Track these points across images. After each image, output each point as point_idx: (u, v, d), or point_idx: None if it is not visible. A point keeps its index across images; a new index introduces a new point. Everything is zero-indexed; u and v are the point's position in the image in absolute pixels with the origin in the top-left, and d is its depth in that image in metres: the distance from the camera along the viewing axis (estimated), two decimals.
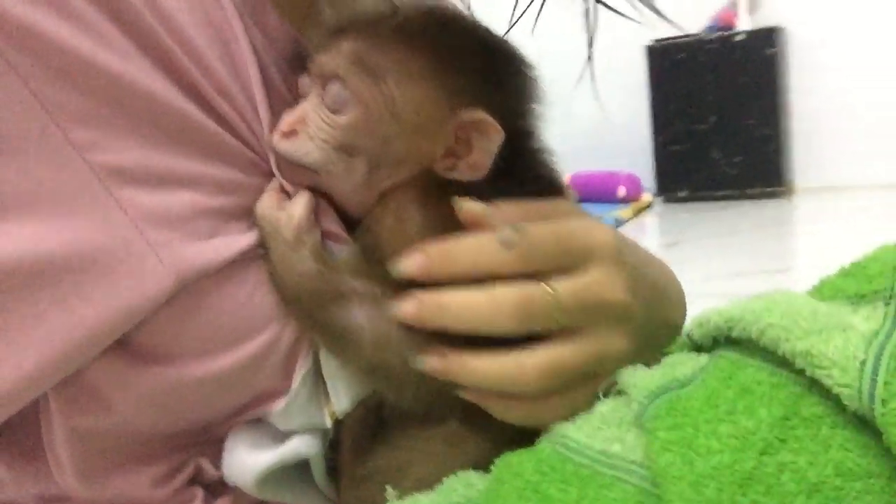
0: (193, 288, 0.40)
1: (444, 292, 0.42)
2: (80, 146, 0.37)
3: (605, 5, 0.61)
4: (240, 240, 0.43)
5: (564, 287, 0.42)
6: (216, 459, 0.47)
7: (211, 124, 0.42)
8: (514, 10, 0.67)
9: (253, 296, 0.43)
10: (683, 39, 4.01)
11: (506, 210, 0.44)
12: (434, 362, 0.42)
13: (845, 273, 0.38)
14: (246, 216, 0.44)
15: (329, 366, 0.46)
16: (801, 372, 0.33)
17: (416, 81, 0.45)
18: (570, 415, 0.41)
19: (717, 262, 2.64)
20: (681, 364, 0.38)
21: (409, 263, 0.42)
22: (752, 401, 0.33)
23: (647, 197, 4.03)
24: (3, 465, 0.44)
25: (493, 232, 0.42)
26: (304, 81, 0.48)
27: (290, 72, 0.50)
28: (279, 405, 0.45)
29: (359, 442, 0.47)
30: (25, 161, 0.36)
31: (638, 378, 0.38)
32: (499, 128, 0.44)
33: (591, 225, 0.45)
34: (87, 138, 0.38)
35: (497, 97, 0.46)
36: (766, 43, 3.87)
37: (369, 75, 0.45)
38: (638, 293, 0.44)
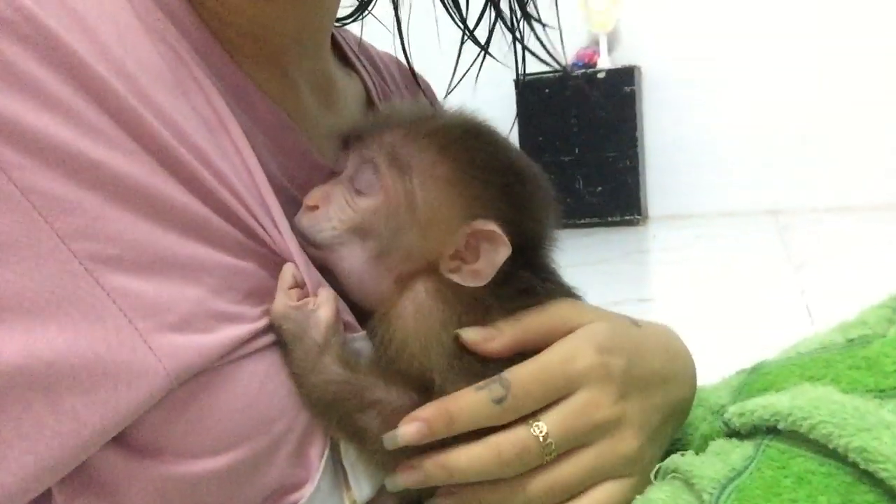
0: (191, 386, 0.39)
1: (448, 453, 0.45)
2: (66, 235, 0.36)
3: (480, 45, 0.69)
4: (238, 330, 0.42)
5: (553, 422, 0.46)
6: None
7: (203, 208, 0.42)
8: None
9: (262, 389, 0.42)
10: (550, 75, 4.21)
11: (504, 330, 0.47)
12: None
13: (857, 367, 0.44)
14: (242, 303, 0.43)
15: (349, 454, 0.46)
16: (849, 463, 0.38)
17: (439, 184, 0.48)
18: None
19: (594, 293, 2.78)
20: (730, 452, 0.43)
21: (408, 431, 0.44)
22: (811, 490, 0.38)
23: None
24: None
25: (480, 388, 0.45)
26: (343, 157, 0.51)
27: (278, 152, 0.51)
28: (302, 498, 0.45)
29: None
30: (12, 257, 0.35)
31: (699, 468, 0.42)
32: (507, 242, 0.47)
33: (575, 348, 0.48)
34: (73, 227, 0.37)
35: (512, 213, 0.49)
36: (624, 80, 4.13)
37: (398, 168, 0.48)
38: (632, 394, 0.48)
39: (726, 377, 0.58)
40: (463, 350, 0.47)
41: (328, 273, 0.49)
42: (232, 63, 0.50)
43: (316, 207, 0.49)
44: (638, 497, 0.44)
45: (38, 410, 0.36)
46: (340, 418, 0.45)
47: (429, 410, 0.45)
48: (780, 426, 0.41)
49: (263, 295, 0.45)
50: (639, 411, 0.48)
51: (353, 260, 0.49)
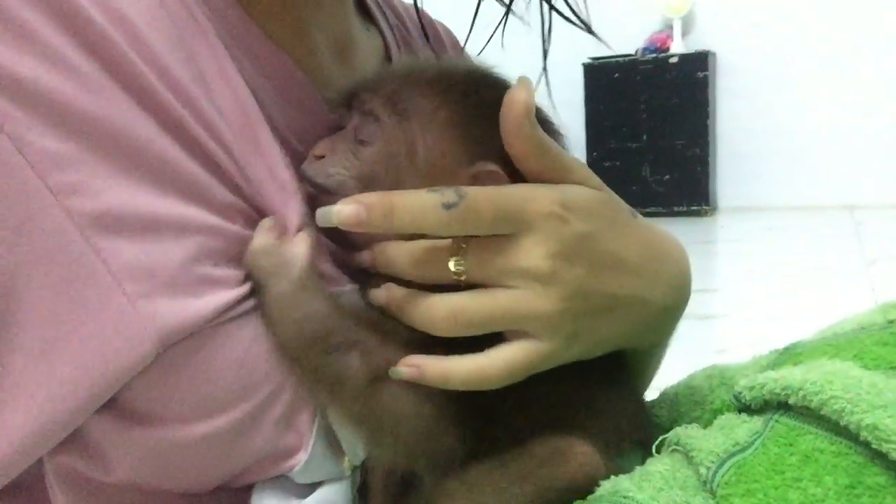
0: (180, 349, 0.38)
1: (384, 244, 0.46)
2: (59, 191, 0.36)
3: (556, 12, 0.64)
4: (225, 294, 0.41)
5: (477, 246, 0.43)
6: None
7: (195, 167, 0.41)
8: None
9: (248, 353, 0.41)
10: (619, 59, 4.13)
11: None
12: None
13: (884, 342, 0.41)
14: (229, 266, 0.42)
15: (338, 419, 0.45)
16: (860, 442, 0.35)
17: (440, 128, 0.47)
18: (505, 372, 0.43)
19: None
20: (736, 427, 0.40)
21: (345, 210, 0.42)
22: (816, 469, 0.36)
23: None
24: None
25: (436, 193, 0.43)
26: (346, 115, 0.50)
27: (284, 102, 0.50)
28: (298, 463, 0.44)
29: (389, 488, 0.48)
30: (2, 207, 0.35)
31: (699, 441, 0.40)
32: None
33: (541, 192, 0.45)
34: (66, 183, 0.36)
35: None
36: (697, 66, 4.02)
37: (397, 115, 0.48)
38: (578, 261, 0.45)
39: (758, 356, 0.55)
40: None
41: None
42: (241, 12, 0.49)
43: (322, 157, 0.49)
44: (637, 468, 0.42)
45: (31, 375, 0.36)
46: (317, 361, 0.43)
47: (372, 196, 0.43)
48: (791, 401, 0.39)
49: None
50: (577, 279, 0.45)
51: None
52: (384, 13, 0.67)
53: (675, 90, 4.05)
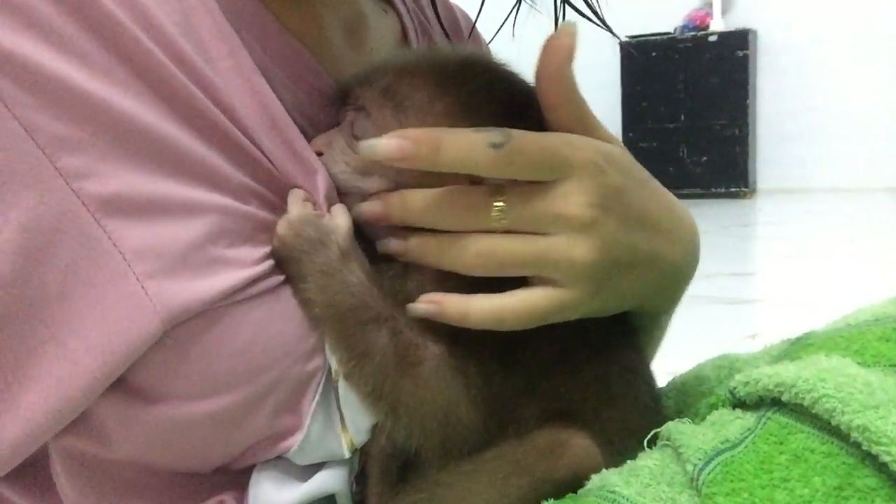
0: (188, 328, 0.39)
1: (406, 192, 0.45)
2: (69, 174, 0.36)
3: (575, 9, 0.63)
4: (236, 275, 0.41)
5: (517, 193, 0.43)
6: (240, 495, 0.47)
7: (204, 149, 0.41)
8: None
9: (256, 337, 0.42)
10: (657, 38, 4.05)
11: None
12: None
13: (885, 338, 0.40)
14: (241, 247, 0.42)
15: (349, 395, 0.46)
16: (851, 443, 0.34)
17: (438, 120, 0.46)
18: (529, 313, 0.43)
19: None
20: (728, 423, 0.39)
21: (390, 144, 0.42)
22: (805, 469, 0.35)
23: None
24: (26, 500, 0.44)
25: (482, 133, 0.42)
26: (342, 113, 0.50)
27: (295, 88, 0.50)
28: (294, 445, 0.44)
29: (387, 473, 0.48)
30: (15, 195, 0.35)
31: (689, 437, 0.39)
32: None
33: (580, 141, 0.45)
34: (76, 166, 0.36)
35: None
36: (738, 44, 3.93)
37: (392, 107, 0.47)
38: (612, 213, 0.44)
39: (769, 345, 0.54)
40: (482, 286, 0.45)
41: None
42: None
43: (321, 154, 0.48)
44: (628, 461, 0.41)
45: (46, 355, 0.36)
46: (352, 331, 0.44)
47: (419, 131, 0.43)
48: (784, 398, 0.38)
49: (263, 239, 0.44)
50: (611, 230, 0.44)
51: (360, 200, 0.48)
52: None
53: (715, 69, 3.97)
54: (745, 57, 3.93)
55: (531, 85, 0.51)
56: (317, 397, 0.45)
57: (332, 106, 0.51)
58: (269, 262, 0.44)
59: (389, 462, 0.47)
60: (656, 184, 0.50)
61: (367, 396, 0.45)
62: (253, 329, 0.42)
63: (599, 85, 3.96)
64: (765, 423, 0.38)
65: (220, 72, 0.44)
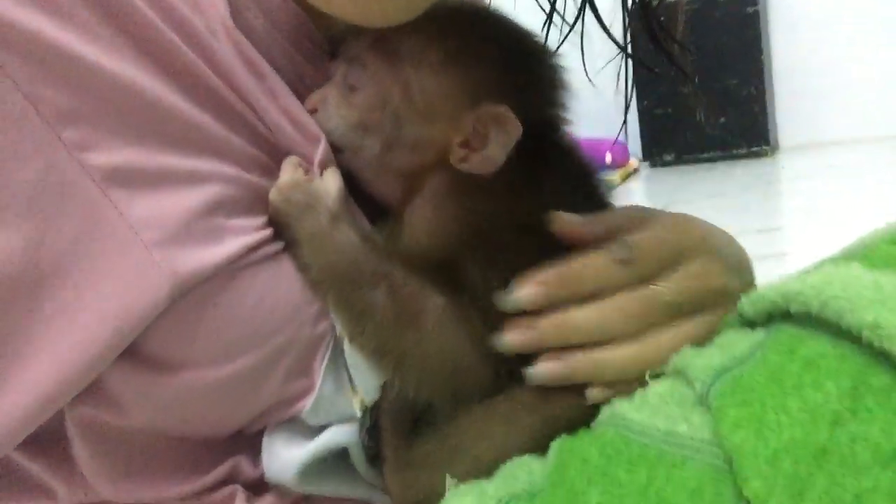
0: (196, 295, 0.39)
1: (566, 313, 0.43)
2: (73, 146, 0.36)
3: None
4: (239, 241, 0.41)
5: (670, 285, 0.44)
6: (255, 458, 0.47)
7: (208, 119, 0.41)
8: None
9: (263, 301, 0.42)
10: (664, 1, 4.00)
11: (597, 221, 0.46)
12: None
13: (893, 240, 0.38)
14: (246, 214, 0.43)
15: (355, 356, 0.45)
16: (866, 344, 0.33)
17: (434, 69, 0.46)
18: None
19: (716, 223, 2.66)
20: (737, 342, 0.38)
21: (526, 295, 0.43)
22: (818, 374, 0.33)
23: (633, 162, 4.04)
24: (48, 474, 0.44)
25: (601, 249, 0.44)
26: (334, 65, 0.49)
27: (296, 55, 0.50)
28: (306, 406, 0.45)
29: (399, 426, 0.47)
30: (18, 163, 0.35)
31: (695, 358, 0.38)
32: (517, 123, 0.45)
33: (680, 223, 0.48)
34: (80, 138, 0.37)
35: (519, 90, 0.47)
36: (746, 2, 3.86)
37: (387, 58, 0.46)
38: (734, 272, 0.47)
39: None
40: (480, 240, 0.45)
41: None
42: None
43: (315, 111, 0.48)
44: (639, 390, 0.40)
45: (57, 325, 0.36)
46: (348, 291, 0.44)
47: (549, 273, 0.43)
48: (792, 309, 0.36)
49: (265, 205, 0.44)
50: (738, 287, 0.46)
51: (364, 157, 0.48)
52: None
53: (725, 28, 3.90)
54: (756, 13, 3.85)
55: (527, 30, 0.50)
56: (326, 360, 0.45)
57: (322, 64, 0.51)
58: (271, 230, 0.44)
59: (402, 416, 0.47)
60: (720, 231, 0.52)
61: (373, 355, 0.44)
62: (259, 293, 0.42)
63: (608, 55, 3.90)
64: (774, 336, 0.37)
65: (220, 41, 0.44)
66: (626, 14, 0.63)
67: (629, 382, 0.42)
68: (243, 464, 0.46)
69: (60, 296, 0.36)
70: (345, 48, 0.48)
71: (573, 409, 0.43)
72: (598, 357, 0.43)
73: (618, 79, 0.64)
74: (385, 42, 0.47)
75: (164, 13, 0.41)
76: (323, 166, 0.47)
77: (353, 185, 0.49)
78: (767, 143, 3.95)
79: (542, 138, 0.48)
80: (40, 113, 0.36)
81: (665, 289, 0.44)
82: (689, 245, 0.46)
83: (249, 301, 0.41)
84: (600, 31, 0.65)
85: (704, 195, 3.28)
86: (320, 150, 0.47)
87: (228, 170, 0.42)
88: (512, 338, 0.43)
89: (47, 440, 0.42)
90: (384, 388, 0.46)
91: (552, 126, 0.51)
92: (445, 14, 0.48)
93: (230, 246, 0.40)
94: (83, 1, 0.38)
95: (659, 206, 0.50)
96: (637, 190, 3.77)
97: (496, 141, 0.45)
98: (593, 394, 0.43)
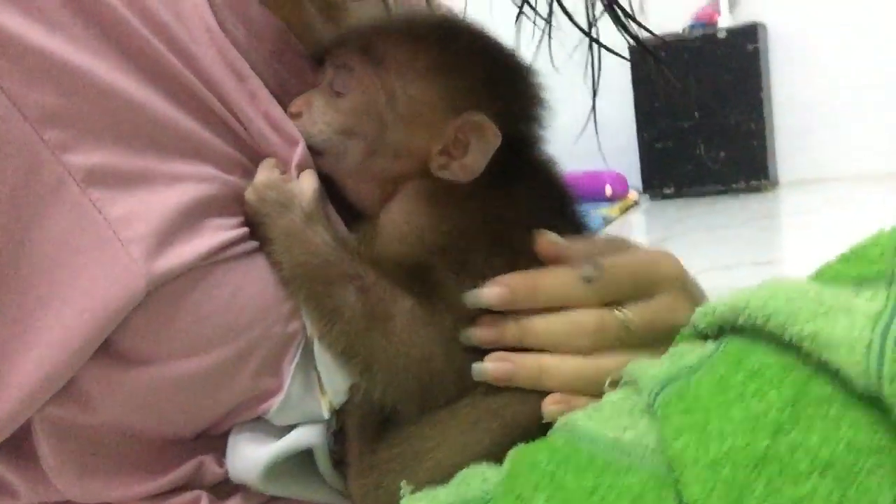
0: (170, 290, 0.40)
1: (529, 318, 0.45)
2: (56, 146, 0.37)
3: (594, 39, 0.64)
4: (214, 238, 0.42)
5: (635, 313, 0.45)
6: (220, 458, 0.47)
7: (189, 121, 0.43)
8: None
9: (235, 297, 0.43)
10: (667, 37, 4.04)
11: (578, 245, 0.47)
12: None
13: (846, 258, 0.39)
14: (223, 214, 0.44)
15: (324, 357, 0.46)
16: (808, 355, 0.34)
17: (419, 77, 0.47)
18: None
19: (706, 257, 2.66)
20: (687, 353, 0.39)
21: (491, 294, 0.44)
22: (761, 384, 0.34)
23: (633, 194, 4.06)
24: (11, 472, 0.44)
25: (572, 267, 0.45)
26: (320, 71, 0.51)
27: (277, 64, 0.51)
28: (273, 405, 0.45)
29: (365, 430, 0.48)
30: (2, 162, 0.36)
31: (646, 368, 0.39)
32: (497, 131, 0.46)
33: (657, 257, 0.49)
34: (63, 139, 0.38)
35: (499, 102, 0.48)
36: (747, 39, 3.91)
37: (373, 64, 0.48)
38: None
39: None
40: (452, 247, 0.46)
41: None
42: None
43: (300, 115, 0.49)
44: (592, 402, 0.41)
45: (39, 321, 0.37)
46: (319, 291, 0.44)
47: (516, 277, 0.45)
48: (740, 321, 0.37)
49: (243, 205, 0.46)
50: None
51: (346, 161, 0.49)
52: None
53: (726, 65, 3.95)
54: (756, 51, 3.90)
55: (509, 48, 0.52)
56: (296, 359, 0.46)
57: (309, 68, 0.52)
58: (246, 229, 0.45)
59: (367, 420, 0.48)
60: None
61: (341, 356, 0.45)
62: (232, 290, 0.43)
63: (608, 89, 3.92)
64: (723, 348, 0.38)
65: (201, 45, 0.45)
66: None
67: (576, 395, 0.43)
68: (208, 463, 0.47)
69: (42, 292, 0.37)
70: (332, 55, 0.50)
71: (533, 418, 0.44)
72: (543, 362, 0.44)
73: (586, 67, 0.64)
74: (372, 49, 0.48)
75: (145, 18, 0.42)
76: (300, 168, 0.48)
77: (331, 190, 0.50)
78: (767, 177, 3.97)
79: (518, 152, 0.50)
80: (24, 114, 0.37)
81: (628, 315, 0.45)
82: (662, 279, 0.47)
83: (222, 297, 0.42)
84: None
85: (703, 228, 3.28)
86: (298, 153, 0.48)
87: (207, 170, 0.43)
88: (475, 332, 0.45)
89: (12, 439, 0.43)
90: (352, 390, 0.47)
91: (529, 141, 0.52)
92: (432, 25, 0.50)
93: (205, 243, 0.41)
94: (68, 5, 0.39)
95: (657, 238, 0.52)
96: (636, 222, 3.78)
97: (476, 149, 0.46)
98: (548, 409, 0.44)
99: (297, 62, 0.52)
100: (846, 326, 0.33)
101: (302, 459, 0.47)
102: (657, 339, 0.45)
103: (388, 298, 0.45)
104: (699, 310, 0.41)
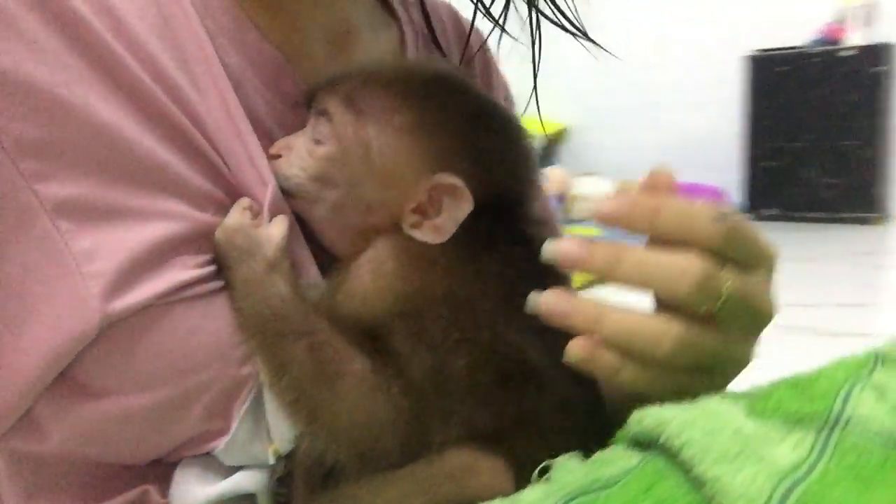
0: (129, 325, 0.40)
1: (626, 247, 0.41)
2: (29, 176, 0.38)
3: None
4: (177, 277, 0.42)
5: (738, 280, 0.40)
6: (165, 488, 0.47)
7: (170, 155, 0.43)
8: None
9: (192, 336, 0.43)
10: (787, 51, 3.85)
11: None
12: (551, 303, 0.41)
13: (793, 385, 0.37)
14: (190, 252, 0.44)
15: (273, 405, 0.46)
16: (711, 498, 0.32)
17: (397, 133, 0.46)
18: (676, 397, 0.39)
19: (798, 290, 2.54)
20: (610, 463, 0.37)
21: (612, 202, 0.41)
22: None
23: None
24: None
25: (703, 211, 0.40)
26: (307, 115, 0.50)
27: (270, 94, 0.51)
28: (219, 445, 0.45)
29: (311, 477, 0.48)
30: None
31: (565, 473, 0.37)
32: (469, 196, 0.45)
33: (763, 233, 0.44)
34: (37, 169, 0.38)
35: (477, 167, 0.47)
36: (874, 60, 3.68)
37: (352, 115, 0.47)
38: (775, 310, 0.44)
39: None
40: (412, 314, 0.45)
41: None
42: (232, 3, 0.51)
43: (279, 156, 0.49)
44: (511, 495, 0.40)
45: (2, 348, 0.39)
46: (270, 342, 0.44)
47: (639, 196, 0.42)
48: (661, 441, 0.35)
49: (209, 244, 0.46)
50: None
51: (318, 209, 0.49)
52: (408, 10, 0.66)
53: (849, 86, 3.73)
54: (882, 73, 3.66)
55: (501, 104, 0.50)
56: (246, 403, 0.46)
57: (300, 109, 0.52)
58: (212, 268, 0.45)
59: (313, 470, 0.48)
60: None
61: (288, 407, 0.45)
62: (189, 328, 0.43)
63: (717, 100, 3.79)
64: (643, 466, 0.36)
65: (195, 77, 0.46)
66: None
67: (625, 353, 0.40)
68: (152, 493, 0.47)
69: (8, 314, 0.39)
70: (316, 101, 0.49)
71: (463, 496, 0.43)
72: (604, 311, 0.40)
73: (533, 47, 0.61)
74: (354, 100, 0.48)
75: (132, 48, 0.42)
76: (273, 211, 0.48)
77: (309, 229, 0.50)
78: (878, 210, 3.74)
79: (498, 217, 0.48)
80: (2, 144, 0.38)
81: (733, 281, 0.40)
82: (765, 255, 0.43)
83: (178, 335, 0.43)
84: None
85: (803, 258, 3.13)
86: (269, 195, 0.48)
87: (180, 207, 0.43)
88: (562, 243, 0.42)
89: None
90: (298, 440, 0.47)
91: (513, 200, 0.50)
92: (422, 80, 0.49)
93: (165, 282, 0.41)
94: (53, 32, 0.40)
95: None
96: None
97: (448, 212, 0.45)
98: (572, 350, 0.41)
99: (292, 92, 0.52)
100: (749, 477, 0.31)
101: (244, 501, 0.48)
102: (739, 316, 0.41)
103: (339, 358, 0.44)
104: (635, 414, 0.39)
